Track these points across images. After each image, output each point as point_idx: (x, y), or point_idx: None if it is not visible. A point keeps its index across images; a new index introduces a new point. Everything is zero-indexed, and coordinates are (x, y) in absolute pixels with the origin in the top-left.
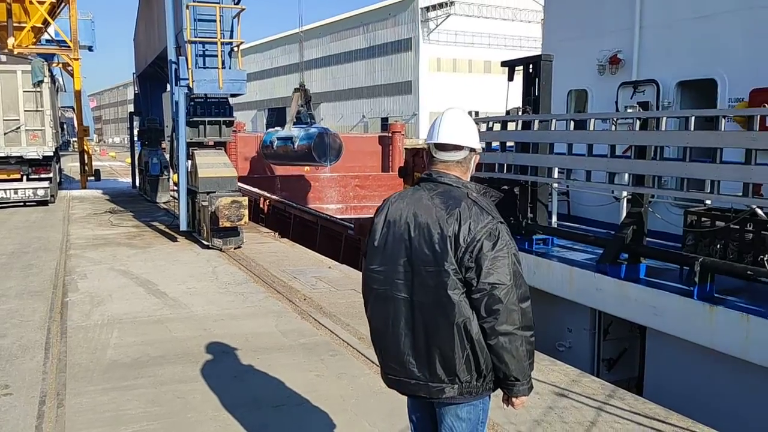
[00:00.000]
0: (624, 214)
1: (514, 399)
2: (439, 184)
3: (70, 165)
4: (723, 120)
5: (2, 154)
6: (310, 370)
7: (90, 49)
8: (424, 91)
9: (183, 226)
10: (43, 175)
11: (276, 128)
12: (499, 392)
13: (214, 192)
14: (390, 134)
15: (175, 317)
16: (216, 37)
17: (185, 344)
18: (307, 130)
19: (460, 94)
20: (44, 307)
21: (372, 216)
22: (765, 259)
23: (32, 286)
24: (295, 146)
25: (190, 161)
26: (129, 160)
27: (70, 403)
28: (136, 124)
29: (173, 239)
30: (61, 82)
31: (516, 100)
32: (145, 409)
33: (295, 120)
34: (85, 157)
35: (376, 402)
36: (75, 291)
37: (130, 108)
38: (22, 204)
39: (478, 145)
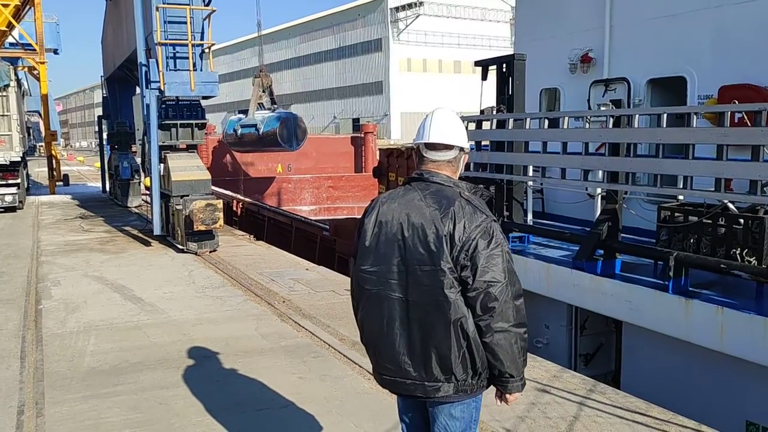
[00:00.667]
0: (598, 211)
1: (507, 395)
2: (430, 183)
3: (37, 170)
4: (694, 117)
5: None
6: (293, 373)
7: (56, 52)
8: (394, 92)
9: (157, 231)
10: (10, 181)
11: (239, 115)
12: (489, 390)
13: (188, 195)
14: (362, 135)
15: (153, 322)
16: (187, 39)
17: (164, 350)
18: (270, 115)
19: (430, 94)
20: (17, 315)
21: (360, 216)
22: (737, 252)
23: (3, 294)
24: (260, 132)
25: (162, 165)
26: (98, 164)
27: (49, 412)
28: (105, 127)
29: (147, 244)
30: (26, 86)
31: (489, 99)
32: (126, 416)
33: (257, 107)
34: (53, 161)
35: (361, 402)
36: (49, 298)
37: (98, 111)
38: None
39: (467, 145)
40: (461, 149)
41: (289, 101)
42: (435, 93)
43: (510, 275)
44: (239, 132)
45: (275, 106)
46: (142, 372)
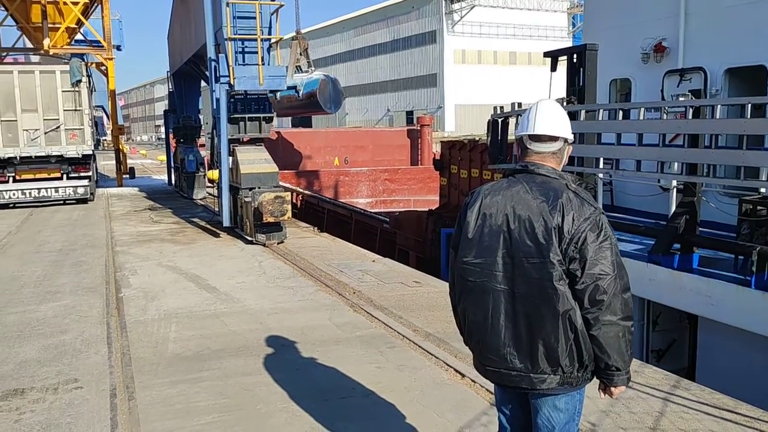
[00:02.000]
0: (673, 204)
1: (612, 388)
2: (536, 175)
3: (103, 163)
4: None
5: (43, 153)
6: (370, 363)
7: (118, 48)
8: (449, 84)
9: (226, 222)
10: (82, 174)
11: None
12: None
13: (257, 188)
14: (418, 127)
15: (230, 311)
16: (255, 34)
17: (243, 337)
18: (309, 78)
19: (485, 86)
20: (100, 302)
21: (463, 208)
22: None
23: (85, 282)
24: (300, 95)
25: (231, 158)
26: (161, 157)
27: (140, 396)
28: (170, 121)
29: (216, 235)
30: (93, 82)
31: (555, 91)
32: (214, 401)
33: (295, 70)
34: (120, 155)
35: (441, 393)
36: (128, 286)
37: (158, 106)
38: (62, 202)
39: (571, 136)
40: (566, 140)
41: (344, 94)
42: (490, 85)
43: (618, 268)
44: (278, 95)
45: (312, 69)
46: (224, 359)
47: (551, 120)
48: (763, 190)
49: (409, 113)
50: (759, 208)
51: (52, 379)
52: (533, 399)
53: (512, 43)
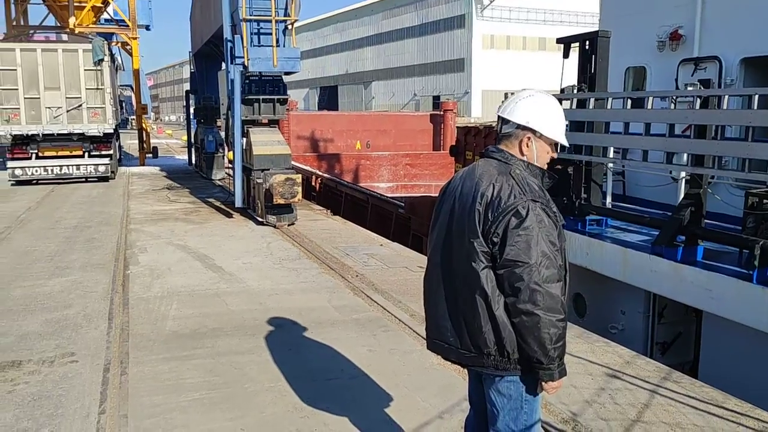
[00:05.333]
0: (681, 196)
1: (543, 383)
2: (491, 158)
3: (129, 143)
4: None
5: (65, 131)
6: (363, 345)
7: (147, 28)
8: (476, 69)
9: (238, 203)
10: (103, 152)
11: None
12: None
13: (269, 169)
14: (442, 112)
15: (231, 291)
16: (270, 15)
17: (241, 317)
18: None
19: (513, 72)
20: (107, 279)
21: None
22: None
23: (95, 259)
24: None
25: (245, 139)
26: (185, 137)
27: (132, 371)
28: (192, 102)
29: (228, 215)
30: (120, 61)
31: (571, 78)
32: (204, 378)
33: None
34: (143, 134)
35: (428, 378)
36: (136, 264)
37: (186, 86)
38: (83, 180)
39: (530, 124)
40: (519, 126)
41: (371, 78)
42: (518, 70)
43: (543, 258)
44: None
45: None
46: (220, 337)
47: (510, 103)
48: None
49: (436, 98)
50: (765, 201)
51: (50, 352)
52: (484, 380)
53: (542, 28)
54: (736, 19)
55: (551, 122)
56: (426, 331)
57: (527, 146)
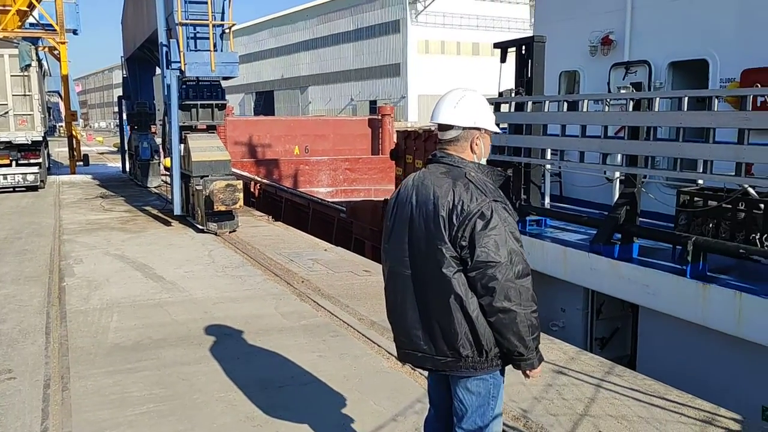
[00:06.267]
0: (616, 195)
1: (525, 372)
2: (440, 164)
3: (57, 150)
4: (716, 100)
5: None
6: (313, 351)
7: (75, 32)
8: (412, 74)
9: (177, 211)
10: (32, 161)
11: None
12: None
13: (208, 176)
14: (379, 117)
15: (174, 300)
16: (207, 19)
17: (186, 327)
18: None
19: (448, 77)
20: (42, 291)
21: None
22: (756, 237)
23: (28, 271)
24: None
25: (182, 145)
26: (117, 144)
27: (74, 387)
28: (124, 108)
29: (167, 223)
30: (47, 67)
31: (508, 82)
32: (150, 391)
33: None
34: (74, 142)
35: (380, 381)
36: (71, 275)
37: (116, 92)
38: (11, 189)
39: (478, 123)
40: (464, 128)
41: (307, 83)
42: (453, 75)
43: (512, 255)
44: None
45: None
46: (165, 348)
47: (447, 109)
48: (700, 181)
49: (373, 103)
50: (696, 199)
51: None
52: (451, 381)
53: (475, 33)
54: (664, 24)
55: (491, 116)
56: (396, 342)
57: (477, 145)
